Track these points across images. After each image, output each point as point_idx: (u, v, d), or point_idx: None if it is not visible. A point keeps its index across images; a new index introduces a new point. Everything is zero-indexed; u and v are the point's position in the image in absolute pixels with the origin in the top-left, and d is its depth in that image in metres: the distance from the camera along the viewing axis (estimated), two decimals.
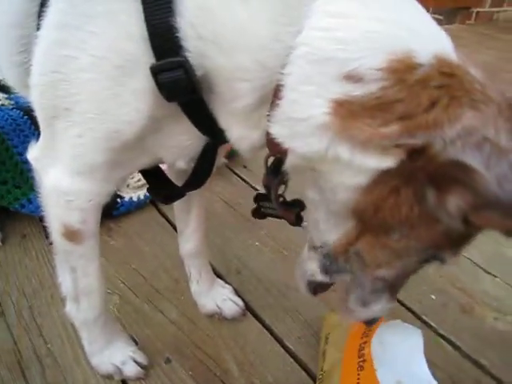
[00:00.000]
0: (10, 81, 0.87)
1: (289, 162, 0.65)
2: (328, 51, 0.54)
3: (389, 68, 0.53)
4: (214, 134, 0.71)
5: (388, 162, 0.55)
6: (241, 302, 1.23)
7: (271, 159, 0.70)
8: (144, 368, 1.06)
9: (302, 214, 0.78)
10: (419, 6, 0.60)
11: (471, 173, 0.50)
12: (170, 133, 0.72)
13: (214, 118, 0.68)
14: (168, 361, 1.10)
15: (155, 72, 0.61)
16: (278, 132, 0.61)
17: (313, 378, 1.05)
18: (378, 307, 0.78)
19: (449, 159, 0.52)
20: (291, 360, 1.11)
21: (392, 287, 0.76)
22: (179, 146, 0.75)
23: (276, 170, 0.69)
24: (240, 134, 0.68)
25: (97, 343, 1.03)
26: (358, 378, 0.92)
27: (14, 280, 1.29)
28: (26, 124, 1.46)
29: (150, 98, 0.64)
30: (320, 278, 0.78)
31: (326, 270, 0.77)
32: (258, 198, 0.89)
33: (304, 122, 0.58)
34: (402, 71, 0.53)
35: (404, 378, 0.95)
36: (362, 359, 0.95)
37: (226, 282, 1.30)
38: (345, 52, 0.54)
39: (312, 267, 0.79)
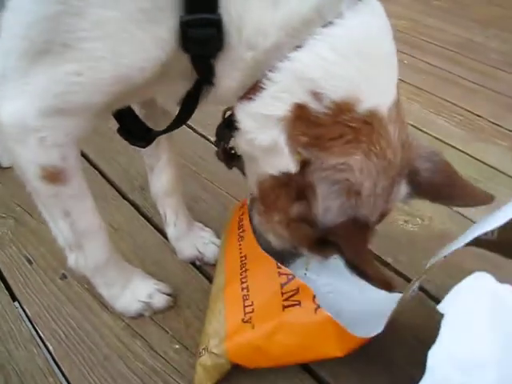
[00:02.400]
0: None
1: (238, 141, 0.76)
2: (316, 76, 0.64)
3: (338, 104, 0.64)
4: (208, 81, 0.71)
5: (291, 166, 0.68)
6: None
7: (228, 113, 0.79)
8: (170, 295, 1.00)
9: None
10: (394, 60, 0.70)
11: (315, 197, 0.67)
12: (171, 78, 0.69)
13: (214, 72, 0.68)
14: (64, 277, 1.06)
15: (186, 26, 0.60)
16: (245, 121, 0.70)
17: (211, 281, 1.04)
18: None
19: (310, 180, 0.67)
20: (191, 268, 1.10)
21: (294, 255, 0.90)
22: (175, 90, 0.74)
23: (230, 125, 0.76)
24: (218, 95, 0.72)
25: (116, 286, 0.95)
26: (240, 248, 0.94)
27: None
28: None
29: (171, 47, 0.62)
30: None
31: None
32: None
33: (269, 117, 0.67)
34: (342, 110, 0.65)
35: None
36: (241, 230, 0.96)
37: (129, 201, 1.27)
38: (326, 82, 0.64)
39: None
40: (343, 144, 0.66)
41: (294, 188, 0.70)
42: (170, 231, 1.11)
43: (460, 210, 1.27)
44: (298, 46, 0.63)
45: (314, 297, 0.80)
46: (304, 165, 0.67)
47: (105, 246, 0.88)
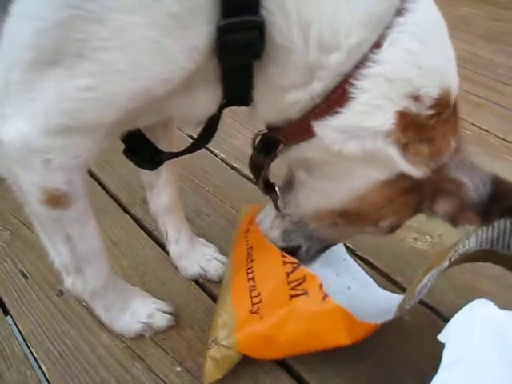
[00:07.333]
0: None
1: (301, 151, 0.69)
2: (408, 73, 0.59)
3: (437, 100, 0.62)
4: (239, 100, 0.65)
5: (418, 173, 0.66)
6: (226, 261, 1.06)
7: (259, 138, 0.74)
8: (172, 314, 0.96)
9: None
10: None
11: (461, 185, 0.68)
12: (194, 95, 0.63)
13: (252, 85, 0.62)
14: (60, 293, 1.02)
15: (224, 30, 0.53)
16: (332, 136, 0.63)
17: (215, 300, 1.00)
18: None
19: (448, 176, 0.67)
20: (194, 285, 1.05)
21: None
22: (196, 109, 0.67)
23: (267, 149, 0.72)
24: (265, 112, 0.68)
25: (115, 307, 0.90)
26: (247, 240, 0.93)
27: None
28: None
29: (202, 56, 0.55)
30: (279, 244, 0.86)
31: (285, 238, 0.86)
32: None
33: (368, 130, 0.62)
34: (443, 106, 0.63)
35: None
36: (249, 224, 0.96)
37: (130, 214, 1.23)
38: (421, 78, 0.60)
39: (274, 235, 0.87)
40: (450, 140, 0.66)
41: (426, 189, 0.70)
42: (172, 249, 1.07)
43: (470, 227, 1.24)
44: (378, 42, 0.58)
45: (321, 285, 0.80)
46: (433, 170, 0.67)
47: (104, 269, 0.84)
